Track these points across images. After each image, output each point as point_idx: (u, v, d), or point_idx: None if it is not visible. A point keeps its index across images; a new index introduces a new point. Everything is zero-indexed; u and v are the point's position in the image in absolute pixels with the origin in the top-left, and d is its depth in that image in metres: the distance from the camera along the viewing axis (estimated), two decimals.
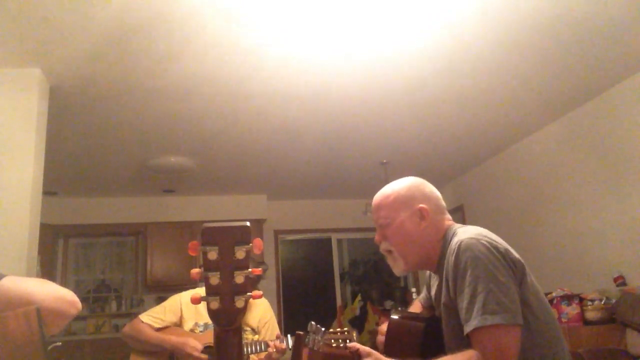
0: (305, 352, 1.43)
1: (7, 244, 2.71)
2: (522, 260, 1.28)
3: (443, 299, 1.33)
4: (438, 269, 1.40)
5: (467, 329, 1.19)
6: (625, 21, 2.79)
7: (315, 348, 1.43)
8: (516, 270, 1.24)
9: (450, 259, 1.29)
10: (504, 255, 1.24)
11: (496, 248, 1.24)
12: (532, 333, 1.21)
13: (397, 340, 1.48)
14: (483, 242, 1.24)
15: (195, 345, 2.16)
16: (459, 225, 1.42)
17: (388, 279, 7.26)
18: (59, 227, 5.71)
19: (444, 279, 1.33)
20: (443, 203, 1.47)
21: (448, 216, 1.46)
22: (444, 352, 1.33)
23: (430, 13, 2.62)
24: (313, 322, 1.47)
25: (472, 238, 1.26)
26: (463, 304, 1.21)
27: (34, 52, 2.75)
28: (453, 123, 4.23)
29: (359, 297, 6.88)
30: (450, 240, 1.34)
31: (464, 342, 1.23)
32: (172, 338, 2.20)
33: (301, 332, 1.44)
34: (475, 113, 4.03)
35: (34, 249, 2.88)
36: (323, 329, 1.45)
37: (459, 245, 1.26)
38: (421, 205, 1.40)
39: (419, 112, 3.96)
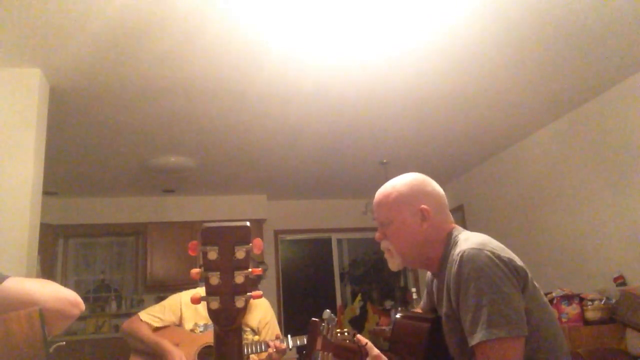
0: (319, 340, 1.43)
1: (7, 244, 2.71)
2: (526, 268, 1.26)
3: (444, 309, 1.31)
4: (439, 271, 1.39)
5: (472, 341, 1.17)
6: (625, 21, 2.79)
7: (329, 337, 1.43)
8: (519, 278, 1.22)
9: (452, 269, 1.26)
10: (507, 264, 1.21)
11: (499, 258, 1.21)
12: (534, 340, 1.20)
13: (402, 339, 1.47)
14: (486, 252, 1.22)
15: (180, 356, 2.14)
16: (461, 229, 1.40)
17: (388, 279, 7.27)
18: (59, 227, 5.71)
19: (445, 289, 1.31)
20: (445, 201, 1.44)
21: (451, 217, 1.43)
22: (449, 353, 1.32)
23: (430, 13, 2.63)
24: (328, 310, 1.47)
25: (474, 248, 1.23)
26: (467, 316, 1.19)
27: (34, 52, 2.75)
28: (453, 123, 4.23)
29: (359, 297, 6.89)
30: (452, 248, 1.32)
31: (466, 353, 1.22)
32: (164, 343, 2.17)
33: (317, 319, 1.44)
34: (475, 113, 4.03)
35: (34, 249, 2.88)
36: (336, 318, 1.45)
37: (461, 256, 1.23)
38: (423, 205, 1.37)
39: (419, 112, 3.96)
